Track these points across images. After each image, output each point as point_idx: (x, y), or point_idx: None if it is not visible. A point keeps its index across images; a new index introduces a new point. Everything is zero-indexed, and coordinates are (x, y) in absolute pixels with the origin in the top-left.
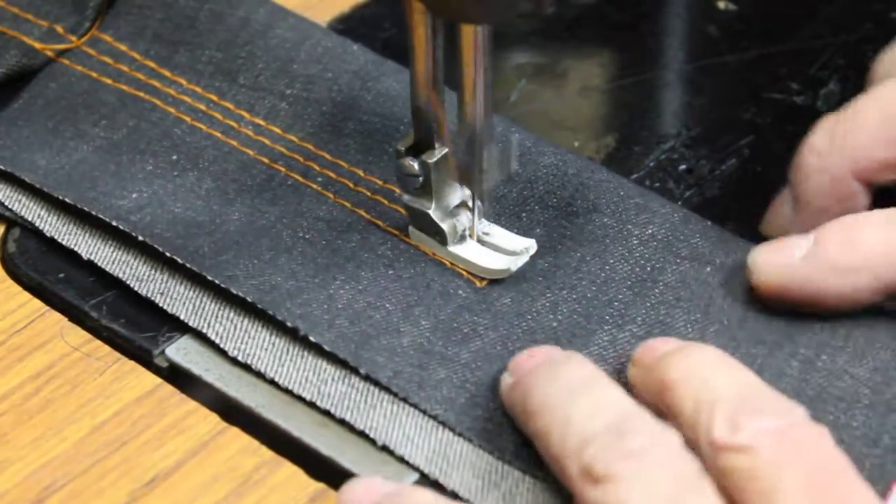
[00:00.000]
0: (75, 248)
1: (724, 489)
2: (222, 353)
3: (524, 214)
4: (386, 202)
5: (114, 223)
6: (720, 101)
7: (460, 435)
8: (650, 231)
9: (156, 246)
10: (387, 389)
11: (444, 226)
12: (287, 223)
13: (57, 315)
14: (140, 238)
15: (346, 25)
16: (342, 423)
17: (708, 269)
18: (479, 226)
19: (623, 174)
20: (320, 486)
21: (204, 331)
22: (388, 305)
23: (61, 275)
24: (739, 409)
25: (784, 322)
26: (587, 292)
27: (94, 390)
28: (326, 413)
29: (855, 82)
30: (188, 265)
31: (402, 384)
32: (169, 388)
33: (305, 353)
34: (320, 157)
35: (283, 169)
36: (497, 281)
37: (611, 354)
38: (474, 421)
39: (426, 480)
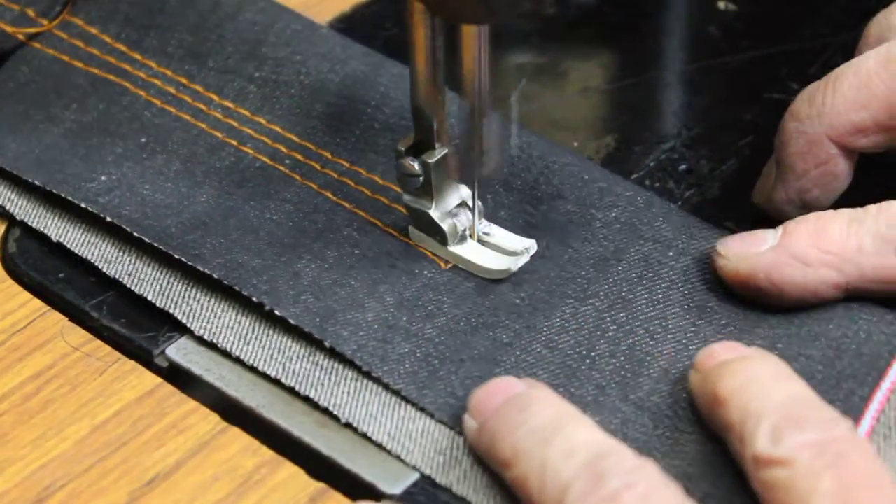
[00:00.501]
0: (45, 231)
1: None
2: (223, 353)
3: (489, 197)
4: (352, 183)
5: (82, 205)
6: (720, 101)
7: (422, 410)
8: (613, 214)
9: (123, 226)
10: (350, 364)
11: (445, 226)
12: (254, 204)
13: (57, 315)
14: (108, 219)
15: (347, 25)
16: (342, 423)
17: (671, 252)
18: (480, 226)
19: (623, 174)
20: (320, 485)
21: (171, 311)
22: (353, 283)
23: (61, 275)
24: (782, 422)
25: (743, 314)
26: (550, 272)
27: (94, 390)
28: (327, 413)
29: None
30: (155, 244)
31: (365, 357)
32: (169, 388)
33: (271, 332)
34: (288, 140)
35: (251, 151)
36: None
37: (572, 326)
38: (436, 395)
39: (426, 481)
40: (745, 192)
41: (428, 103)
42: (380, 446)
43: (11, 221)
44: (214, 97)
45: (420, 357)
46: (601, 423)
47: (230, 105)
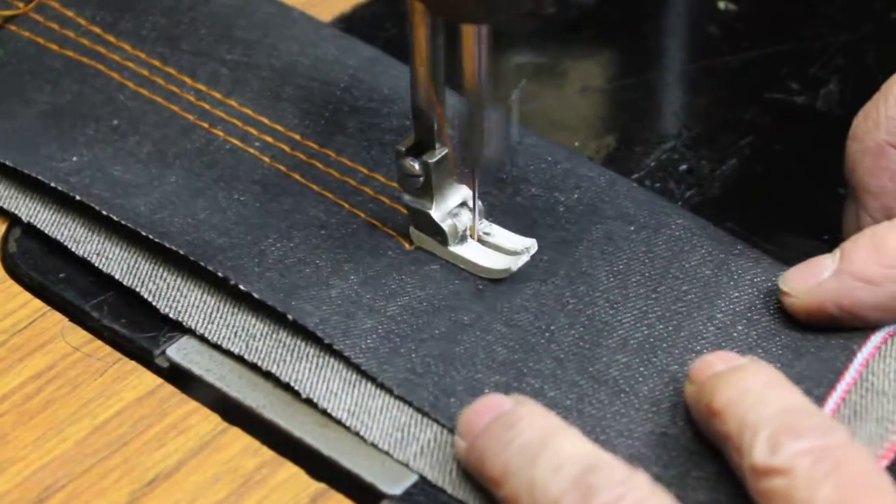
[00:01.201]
0: (16, 212)
1: None
2: (223, 353)
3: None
4: (321, 165)
5: (52, 185)
6: (720, 101)
7: (381, 386)
8: (576, 196)
9: (92, 205)
10: (313, 341)
11: (445, 226)
12: (223, 186)
13: (58, 315)
14: (77, 198)
15: (347, 25)
16: (342, 424)
17: (632, 227)
18: (480, 226)
19: (624, 174)
20: (321, 486)
21: (137, 289)
22: (318, 262)
23: (62, 275)
24: (779, 431)
25: (703, 283)
26: None
27: (94, 390)
28: (327, 413)
29: (855, 82)
30: (123, 223)
31: (328, 330)
32: (170, 389)
33: (235, 311)
34: (259, 123)
35: (221, 134)
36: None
37: (533, 305)
38: (396, 371)
39: (425, 482)
40: (746, 193)
41: (428, 103)
42: (374, 445)
43: (12, 221)
44: (187, 80)
45: (382, 334)
46: (558, 397)
47: (202, 88)
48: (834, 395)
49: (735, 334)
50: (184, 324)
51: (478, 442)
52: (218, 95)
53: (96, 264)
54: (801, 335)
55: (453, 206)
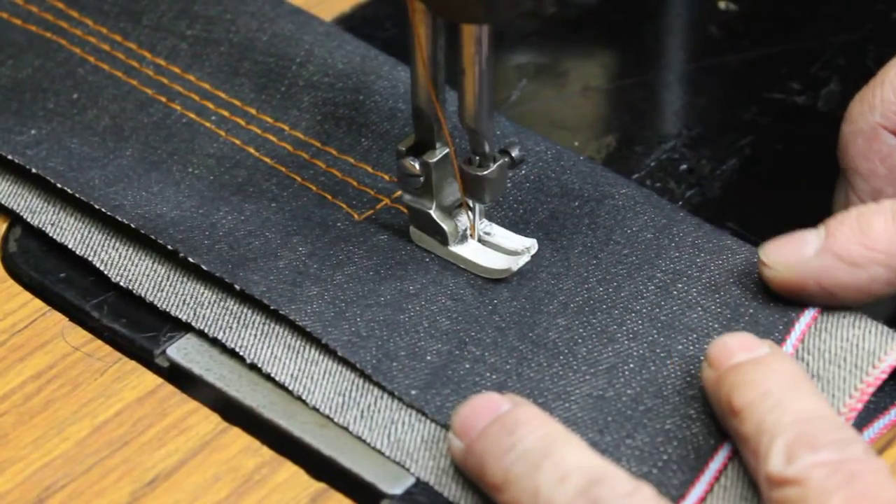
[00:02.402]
0: None
1: None
2: (224, 352)
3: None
4: (275, 140)
5: (10, 157)
6: (720, 101)
7: (325, 349)
8: (522, 172)
9: (48, 178)
10: (259, 309)
11: (445, 226)
12: (178, 159)
13: (58, 315)
14: (34, 171)
15: (347, 25)
16: (342, 425)
17: (576, 203)
18: (480, 225)
19: (624, 174)
20: (321, 485)
21: (90, 259)
22: (267, 234)
23: (62, 275)
24: (796, 442)
25: (644, 246)
26: None
27: (95, 390)
28: (326, 415)
29: (855, 82)
30: (78, 195)
31: (274, 298)
32: (170, 388)
33: (184, 280)
34: (216, 97)
35: (178, 108)
36: (375, 218)
37: (477, 282)
38: (340, 333)
39: (422, 484)
40: (746, 192)
41: (428, 103)
42: (377, 450)
43: (13, 221)
44: (147, 54)
45: (327, 300)
46: (498, 363)
47: (162, 62)
48: None
49: (675, 292)
50: (134, 292)
51: (476, 445)
52: (177, 70)
53: (50, 234)
54: (740, 294)
55: (453, 205)
